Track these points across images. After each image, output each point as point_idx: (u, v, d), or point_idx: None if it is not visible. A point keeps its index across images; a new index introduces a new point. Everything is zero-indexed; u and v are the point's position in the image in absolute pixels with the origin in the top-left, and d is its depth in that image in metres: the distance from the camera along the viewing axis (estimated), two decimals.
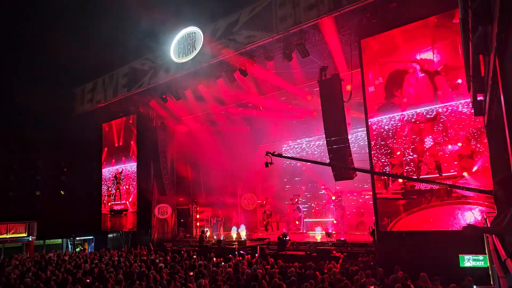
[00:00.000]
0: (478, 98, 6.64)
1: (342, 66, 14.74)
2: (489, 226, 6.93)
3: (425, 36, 12.39)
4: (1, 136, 27.35)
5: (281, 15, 14.42)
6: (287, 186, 23.99)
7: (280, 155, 9.93)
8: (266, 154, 9.38)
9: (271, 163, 9.23)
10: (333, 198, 20.67)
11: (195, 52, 17.28)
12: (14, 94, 26.84)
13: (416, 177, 12.10)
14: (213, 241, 18.97)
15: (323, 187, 21.69)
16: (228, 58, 16.43)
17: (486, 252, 8.16)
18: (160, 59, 19.23)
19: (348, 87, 14.88)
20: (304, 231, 20.53)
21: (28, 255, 19.31)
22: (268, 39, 14.93)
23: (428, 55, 12.33)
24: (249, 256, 14.22)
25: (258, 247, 15.76)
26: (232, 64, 16.85)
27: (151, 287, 8.77)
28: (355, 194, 20.62)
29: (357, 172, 13.80)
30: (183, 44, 17.92)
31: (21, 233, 24.90)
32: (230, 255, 13.89)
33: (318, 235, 17.87)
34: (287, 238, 15.80)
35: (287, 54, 15.31)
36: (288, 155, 12.95)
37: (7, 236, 24.41)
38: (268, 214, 21.26)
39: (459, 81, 11.65)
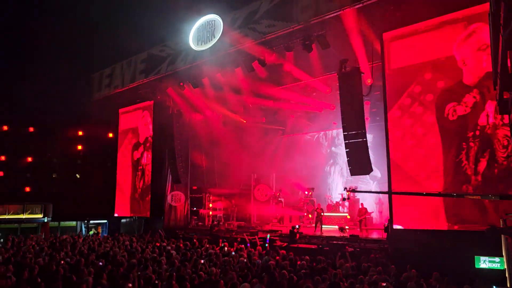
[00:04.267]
0: (505, 96, 6.44)
1: (363, 59, 14.48)
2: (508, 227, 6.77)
3: (449, 31, 12.08)
4: (19, 119, 27.78)
5: (302, 5, 14.20)
6: (301, 178, 23.91)
7: (354, 190, 10.12)
8: (344, 190, 9.59)
9: (348, 198, 9.45)
10: (347, 193, 20.52)
11: (214, 40, 17.18)
12: (32, 78, 27.12)
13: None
14: (225, 231, 19.02)
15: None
16: (247, 48, 16.28)
17: (504, 254, 8.00)
18: (178, 46, 19.18)
19: (368, 81, 14.66)
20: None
21: (43, 236, 19.66)
22: (288, 29, 14.73)
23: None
24: (260, 247, 14.20)
25: (268, 236, 15.67)
26: (251, 54, 16.66)
27: (162, 273, 8.81)
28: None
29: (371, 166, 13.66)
30: (202, 31, 17.83)
31: (37, 214, 25.41)
32: (242, 245, 13.93)
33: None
34: (296, 231, 15.72)
35: (307, 45, 15.10)
36: (364, 189, 13.25)
37: (24, 217, 24.95)
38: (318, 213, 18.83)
39: None
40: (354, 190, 9.90)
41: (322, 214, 17.71)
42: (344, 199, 9.45)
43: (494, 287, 6.52)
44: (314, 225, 18.00)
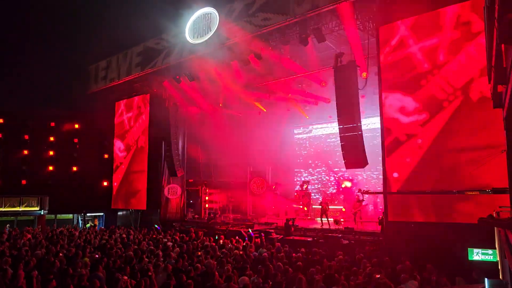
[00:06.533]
0: (499, 90, 6.48)
1: (358, 52, 14.47)
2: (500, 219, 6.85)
3: (444, 26, 12.08)
4: (15, 112, 27.72)
5: None
6: (296, 171, 24.01)
7: (368, 192, 10.14)
8: (358, 192, 9.61)
9: (363, 200, 9.46)
10: (343, 186, 20.65)
11: (210, 33, 17.11)
12: (29, 70, 27.03)
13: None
14: (221, 223, 19.09)
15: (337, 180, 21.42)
16: (243, 41, 16.21)
17: (496, 246, 8.10)
18: (175, 39, 19.09)
19: (364, 75, 14.66)
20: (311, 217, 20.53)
21: (40, 229, 19.67)
22: (284, 23, 14.68)
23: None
24: (258, 239, 14.28)
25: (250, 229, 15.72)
26: (247, 47, 16.62)
27: (159, 265, 8.87)
28: (366, 186, 20.52)
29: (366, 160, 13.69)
30: (198, 24, 17.76)
31: (34, 206, 25.40)
32: (237, 237, 14.00)
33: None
34: (291, 224, 15.78)
35: (303, 38, 15.05)
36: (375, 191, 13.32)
37: (20, 209, 24.94)
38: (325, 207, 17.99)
39: None
40: (368, 192, 9.96)
41: (327, 207, 17.41)
42: (359, 201, 9.59)
43: (486, 279, 6.58)
44: (319, 218, 17.56)
